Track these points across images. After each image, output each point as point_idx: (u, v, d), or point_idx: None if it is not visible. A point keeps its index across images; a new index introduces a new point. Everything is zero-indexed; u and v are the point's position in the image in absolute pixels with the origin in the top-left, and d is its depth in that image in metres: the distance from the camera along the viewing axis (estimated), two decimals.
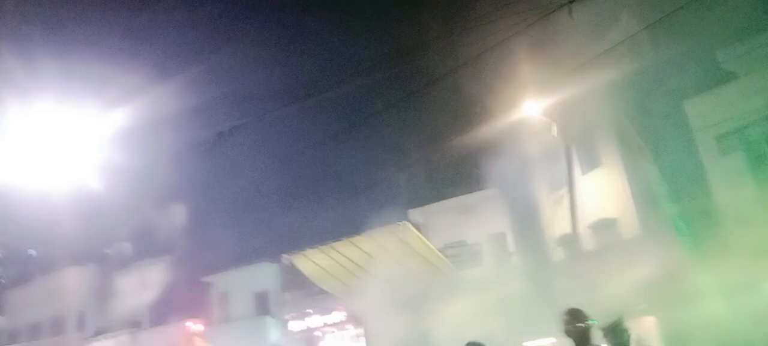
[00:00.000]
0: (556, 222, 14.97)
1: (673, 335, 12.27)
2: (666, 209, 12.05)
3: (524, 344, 16.43)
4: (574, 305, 5.25)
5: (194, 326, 16.28)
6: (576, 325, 4.61)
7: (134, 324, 24.49)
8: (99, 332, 24.88)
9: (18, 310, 26.16)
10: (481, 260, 17.72)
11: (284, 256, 19.58)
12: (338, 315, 19.59)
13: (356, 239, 17.49)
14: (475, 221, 17.74)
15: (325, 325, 20.32)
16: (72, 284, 27.25)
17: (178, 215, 26.69)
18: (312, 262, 18.44)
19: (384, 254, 17.09)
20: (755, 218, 11.53)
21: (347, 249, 17.58)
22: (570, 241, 14.28)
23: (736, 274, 11.47)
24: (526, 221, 16.18)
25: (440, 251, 17.49)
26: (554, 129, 13.92)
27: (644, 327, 14.00)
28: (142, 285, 25.85)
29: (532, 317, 14.22)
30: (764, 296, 11.75)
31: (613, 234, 14.60)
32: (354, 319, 19.06)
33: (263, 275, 22.23)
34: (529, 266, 15.86)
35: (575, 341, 4.63)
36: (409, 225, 17.50)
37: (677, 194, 12.12)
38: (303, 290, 20.92)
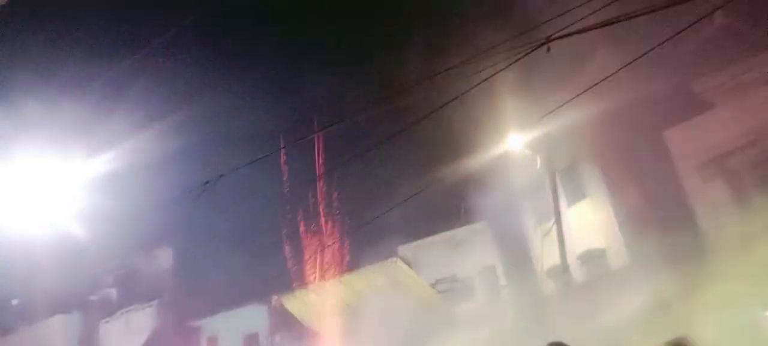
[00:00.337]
0: (545, 254, 15.01)
1: None
2: (653, 239, 12.13)
3: None
4: (559, 338, 5.21)
5: None
6: None
7: None
8: None
9: None
10: (472, 295, 17.67)
11: (274, 297, 19.39)
12: None
13: (346, 277, 17.42)
14: (466, 255, 17.74)
15: None
16: (56, 333, 26.65)
17: (164, 259, 26.39)
18: (302, 302, 18.29)
19: (375, 291, 16.99)
20: (739, 244, 11.66)
21: (337, 288, 17.47)
22: (560, 273, 14.30)
23: (724, 301, 11.54)
24: (516, 254, 16.22)
25: (431, 287, 17.42)
26: (538, 162, 14.07)
27: None
28: (128, 331, 25.38)
29: None
30: (752, 320, 11.81)
31: (602, 265, 14.66)
32: None
33: (253, 317, 21.93)
34: (521, 299, 15.82)
35: None
36: (400, 261, 17.46)
37: (663, 223, 12.23)
38: (293, 332, 20.66)
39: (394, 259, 17.57)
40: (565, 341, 4.67)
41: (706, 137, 12.46)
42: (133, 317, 25.34)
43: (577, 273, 14.76)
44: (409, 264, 18.07)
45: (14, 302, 28.06)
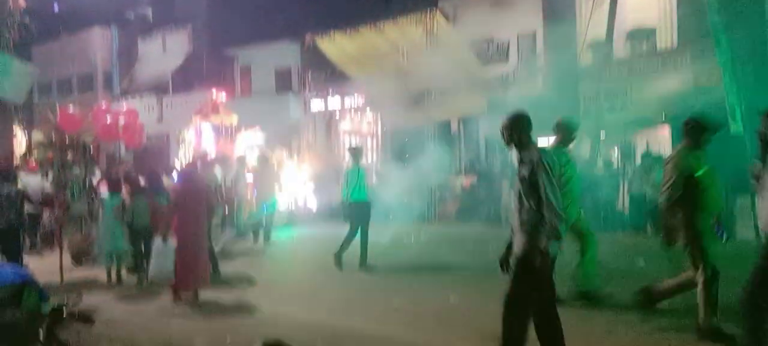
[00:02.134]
0: (592, 26, 14.38)
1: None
2: (710, 21, 11.42)
3: (538, 140, 16.85)
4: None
5: (218, 95, 16.68)
6: None
7: (159, 89, 25.15)
8: (125, 93, 25.70)
9: (47, 64, 26.76)
10: (507, 58, 17.44)
11: (308, 36, 19.35)
12: (358, 99, 19.91)
13: (382, 25, 17.10)
14: (507, 17, 17.06)
15: (345, 108, 20.78)
16: (96, 44, 27.57)
17: None
18: (336, 45, 18.28)
19: (410, 43, 16.84)
20: None
21: (372, 35, 17.29)
22: (602, 47, 13.88)
23: (764, 97, 11.28)
24: (560, 22, 15.53)
25: (467, 45, 17.17)
26: None
27: (658, 136, 14.23)
28: (164, 52, 26.11)
29: (550, 118, 14.36)
30: None
31: (648, 43, 14.14)
32: (373, 104, 19.40)
33: (286, 52, 22.19)
34: (556, 68, 15.61)
35: None
36: (439, 15, 16.96)
37: (726, 6, 11.40)
38: (325, 72, 21.06)
39: (434, 10, 17.05)
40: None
41: None
42: (169, 38, 25.84)
43: (621, 50, 14.33)
44: (447, 19, 17.59)
45: (55, 9, 28.51)
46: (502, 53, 17.45)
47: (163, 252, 7.53)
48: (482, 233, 12.53)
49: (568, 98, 13.82)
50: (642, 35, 14.34)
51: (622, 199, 13.03)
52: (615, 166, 13.85)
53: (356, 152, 9.12)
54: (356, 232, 8.66)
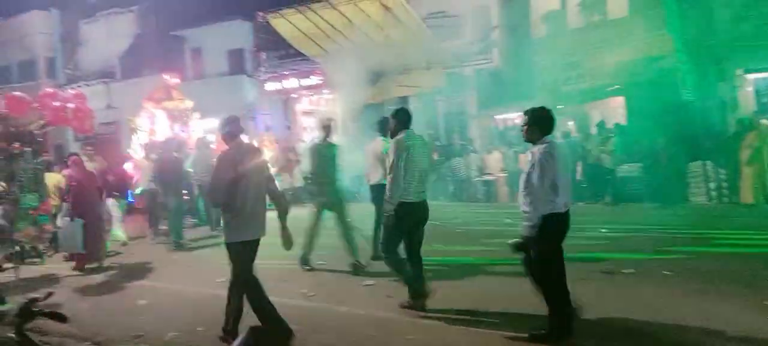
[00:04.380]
0: None
1: (638, 117, 12.74)
2: None
3: (495, 116, 17.05)
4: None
5: (170, 79, 16.14)
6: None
7: (107, 75, 24.20)
8: (71, 81, 24.59)
9: None
10: (462, 32, 17.48)
11: (259, 14, 18.89)
12: (315, 79, 19.65)
13: (336, 0, 16.83)
14: None
15: (302, 87, 20.48)
16: (37, 28, 26.24)
17: None
18: (289, 22, 17.91)
19: (364, 19, 16.65)
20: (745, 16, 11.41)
21: (326, 12, 17.00)
22: (556, 17, 14.07)
23: (713, 65, 11.70)
24: None
25: (422, 20, 17.10)
26: None
27: (612, 106, 14.60)
28: (110, 36, 25.06)
29: (506, 91, 14.53)
30: (733, 88, 12.12)
31: (600, 12, 14.38)
32: (330, 83, 19.16)
33: (237, 32, 21.63)
34: (510, 40, 15.77)
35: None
36: None
37: None
38: (279, 52, 20.65)
39: None
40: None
41: None
42: (114, 21, 24.81)
43: (574, 19, 14.55)
44: None
45: None
46: (456, 27, 17.48)
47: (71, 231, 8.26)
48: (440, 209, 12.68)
49: (524, 71, 13.98)
50: (594, 4, 14.58)
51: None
52: (572, 136, 14.15)
53: (328, 125, 7.69)
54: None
